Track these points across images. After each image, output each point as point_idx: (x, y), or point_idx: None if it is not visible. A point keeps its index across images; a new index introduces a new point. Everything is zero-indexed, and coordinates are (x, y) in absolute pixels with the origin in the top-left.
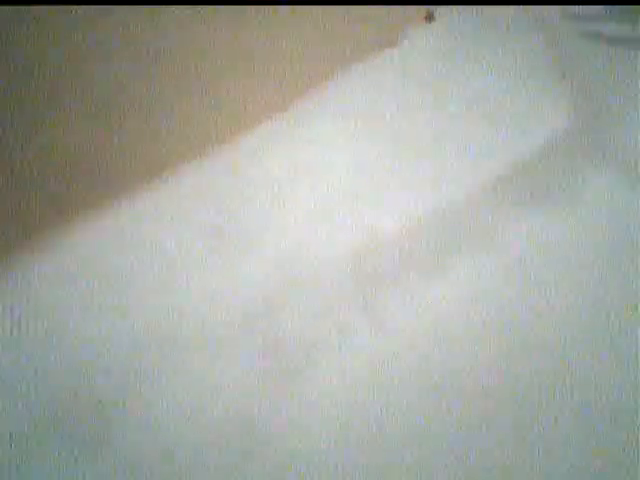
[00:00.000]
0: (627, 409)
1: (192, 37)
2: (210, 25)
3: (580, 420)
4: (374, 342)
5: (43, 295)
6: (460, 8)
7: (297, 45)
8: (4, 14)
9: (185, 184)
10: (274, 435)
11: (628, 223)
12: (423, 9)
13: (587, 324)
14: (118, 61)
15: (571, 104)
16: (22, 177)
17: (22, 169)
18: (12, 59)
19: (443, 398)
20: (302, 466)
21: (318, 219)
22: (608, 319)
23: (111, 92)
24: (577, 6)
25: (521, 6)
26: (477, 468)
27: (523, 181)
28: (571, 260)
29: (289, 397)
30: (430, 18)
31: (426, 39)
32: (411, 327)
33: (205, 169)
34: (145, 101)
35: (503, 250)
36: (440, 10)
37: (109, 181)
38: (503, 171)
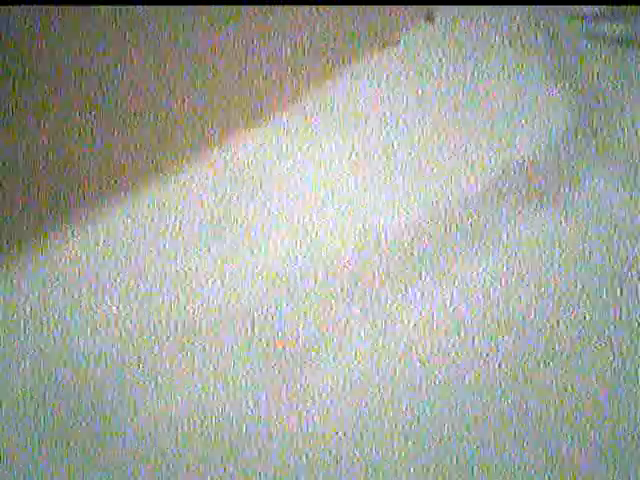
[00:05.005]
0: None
1: (193, 39)
2: (211, 26)
3: (594, 425)
4: (374, 342)
5: (44, 289)
6: (460, 8)
7: (296, 45)
8: (11, 13)
9: (188, 182)
10: (273, 435)
11: (630, 223)
12: (423, 9)
13: (588, 323)
14: (125, 61)
15: (571, 104)
16: (23, 176)
17: (23, 168)
18: (17, 58)
19: (445, 399)
20: (301, 466)
21: (318, 219)
22: (609, 318)
23: (115, 91)
24: (578, 6)
25: (521, 6)
26: (480, 469)
27: (524, 181)
28: (573, 260)
29: (289, 397)
30: (430, 18)
31: (426, 39)
32: (412, 327)
33: (208, 167)
34: (147, 101)
35: (504, 250)
36: (440, 10)
37: (113, 180)
38: (504, 171)
